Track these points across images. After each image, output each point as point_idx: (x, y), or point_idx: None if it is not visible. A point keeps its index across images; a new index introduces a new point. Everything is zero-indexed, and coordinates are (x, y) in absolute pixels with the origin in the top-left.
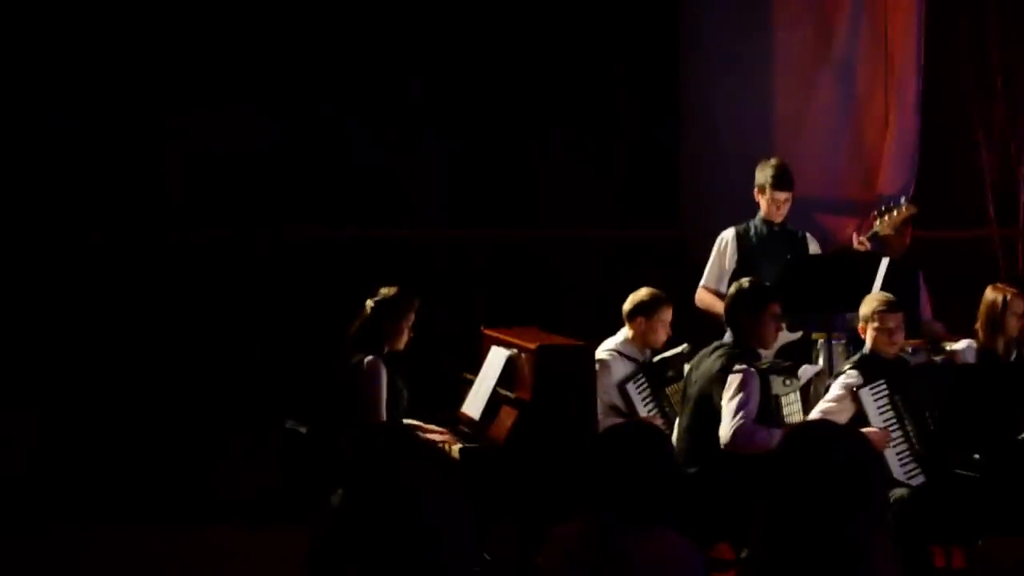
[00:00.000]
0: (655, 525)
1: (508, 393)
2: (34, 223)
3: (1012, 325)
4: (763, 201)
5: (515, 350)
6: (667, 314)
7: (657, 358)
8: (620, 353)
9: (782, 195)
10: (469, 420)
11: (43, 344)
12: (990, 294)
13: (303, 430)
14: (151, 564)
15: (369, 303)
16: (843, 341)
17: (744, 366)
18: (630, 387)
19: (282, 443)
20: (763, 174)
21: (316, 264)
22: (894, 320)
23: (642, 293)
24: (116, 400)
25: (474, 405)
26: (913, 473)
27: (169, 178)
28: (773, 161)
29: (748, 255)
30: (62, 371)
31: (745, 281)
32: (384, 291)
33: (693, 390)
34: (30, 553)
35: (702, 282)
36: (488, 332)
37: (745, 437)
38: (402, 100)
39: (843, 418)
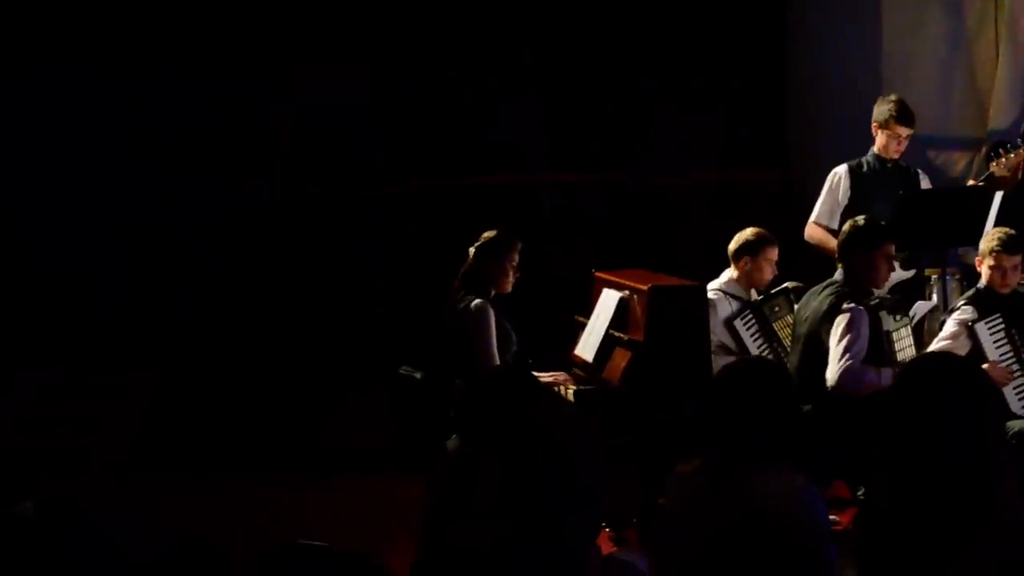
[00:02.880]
0: (776, 462)
1: (621, 335)
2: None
3: None
4: (882, 136)
5: (627, 292)
6: (773, 253)
7: (763, 296)
8: (726, 293)
9: (905, 130)
10: (583, 362)
11: (166, 305)
12: None
13: (418, 376)
14: (273, 516)
15: (472, 248)
16: (957, 276)
17: (853, 305)
18: (738, 324)
19: (397, 389)
20: (884, 109)
21: (429, 213)
22: (1012, 260)
23: (747, 232)
24: (240, 357)
25: (588, 347)
26: None
27: (282, 134)
28: (893, 96)
29: (861, 191)
30: (187, 331)
31: (860, 219)
32: (485, 235)
33: (803, 329)
34: (160, 505)
35: (813, 217)
36: (599, 275)
37: (853, 379)
38: (510, 50)
39: (960, 353)
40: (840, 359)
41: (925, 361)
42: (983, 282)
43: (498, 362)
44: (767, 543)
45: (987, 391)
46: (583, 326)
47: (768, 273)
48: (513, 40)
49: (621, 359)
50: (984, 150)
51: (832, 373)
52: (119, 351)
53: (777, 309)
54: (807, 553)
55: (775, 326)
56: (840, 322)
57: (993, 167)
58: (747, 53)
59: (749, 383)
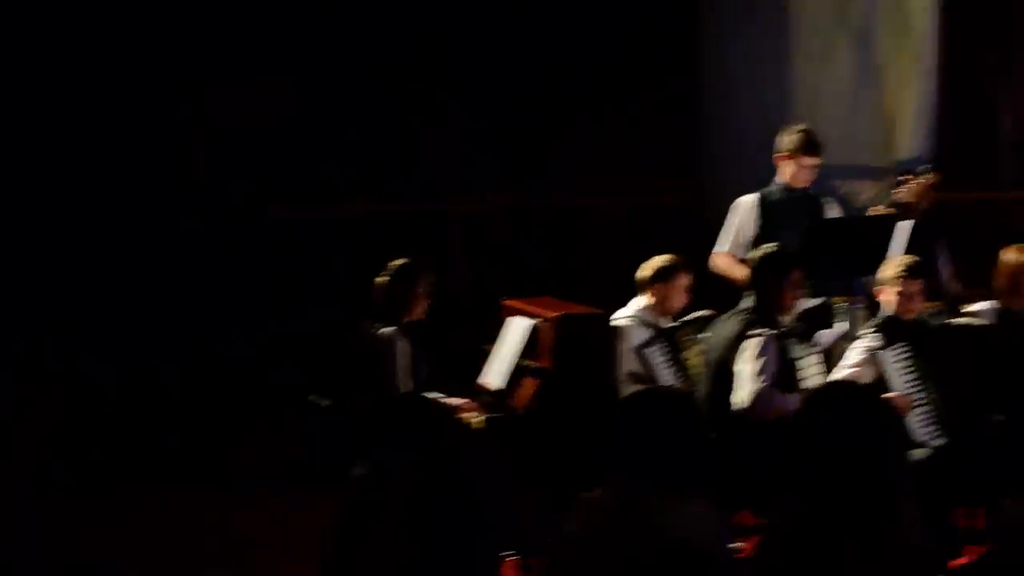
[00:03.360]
0: (681, 491)
1: (529, 363)
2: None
3: None
4: (789, 166)
5: (536, 320)
6: (685, 280)
7: (675, 324)
8: (638, 319)
9: (812, 160)
10: (491, 390)
11: (76, 324)
12: (1010, 255)
13: (326, 403)
14: (180, 536)
15: (382, 276)
16: (864, 305)
17: (761, 331)
18: (649, 352)
19: (306, 417)
20: (791, 139)
21: (342, 238)
22: (915, 285)
23: (660, 259)
24: (139, 383)
25: (496, 375)
26: (935, 435)
27: (193, 156)
28: (800, 126)
29: (768, 220)
30: (95, 352)
31: (771, 247)
32: (393, 263)
33: (711, 356)
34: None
35: (719, 247)
36: (508, 303)
37: (763, 403)
38: (420, 75)
39: (865, 381)
40: (752, 381)
41: (830, 389)
42: (888, 310)
43: (406, 390)
44: (671, 571)
45: (890, 419)
46: (488, 354)
47: (680, 300)
48: (424, 66)
49: (529, 387)
50: (891, 179)
51: (742, 396)
52: (26, 368)
53: (688, 337)
54: None
55: (686, 354)
56: (750, 347)
57: (899, 194)
58: (659, 80)
59: (654, 412)
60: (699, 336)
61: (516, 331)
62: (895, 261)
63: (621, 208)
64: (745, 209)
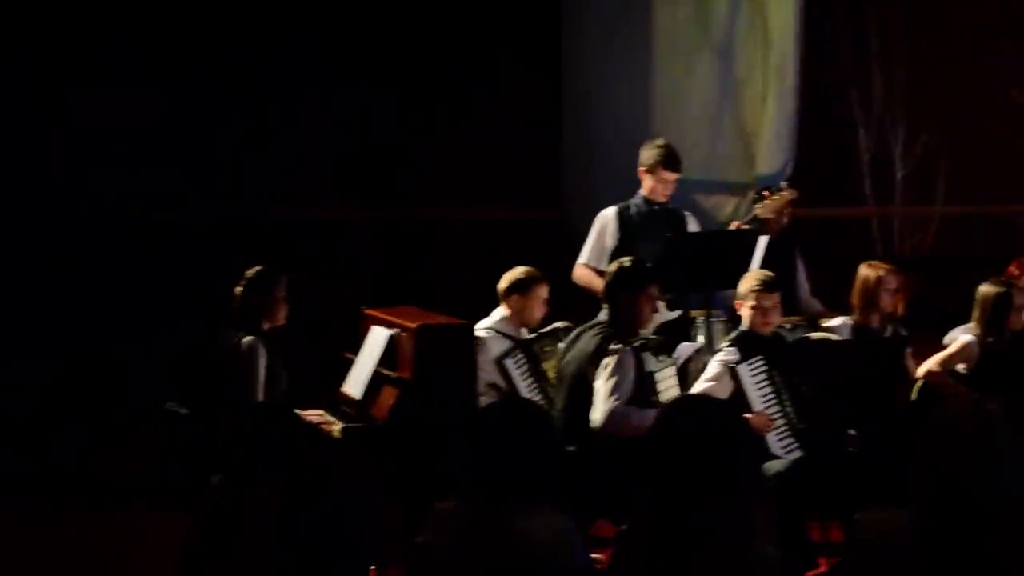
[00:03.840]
0: (535, 502)
1: (389, 372)
2: None
3: (886, 301)
4: (649, 180)
5: (396, 329)
6: (543, 291)
7: (534, 335)
8: (497, 331)
9: (671, 175)
10: (351, 400)
11: None
12: (864, 271)
13: (183, 411)
14: (39, 549)
15: (240, 284)
16: (723, 319)
17: (620, 346)
18: (509, 363)
19: (162, 425)
20: (651, 153)
21: (202, 245)
22: (770, 299)
23: (517, 271)
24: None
25: (355, 385)
26: (791, 448)
27: (53, 157)
28: (660, 141)
29: (628, 233)
30: None
31: (626, 260)
32: (249, 272)
33: (569, 369)
34: None
35: (581, 259)
36: (369, 312)
37: (617, 420)
38: (284, 81)
39: (722, 395)
40: (606, 400)
41: (683, 403)
42: (745, 324)
43: (265, 399)
44: None
45: (743, 433)
46: (352, 363)
47: (538, 312)
48: (289, 73)
49: (389, 397)
50: (751, 194)
51: (598, 414)
52: None
53: (547, 348)
54: None
55: (545, 365)
56: (607, 363)
57: (758, 209)
58: (523, 93)
59: (507, 424)
60: (559, 347)
61: (376, 341)
62: (751, 276)
63: (485, 219)
64: (605, 222)
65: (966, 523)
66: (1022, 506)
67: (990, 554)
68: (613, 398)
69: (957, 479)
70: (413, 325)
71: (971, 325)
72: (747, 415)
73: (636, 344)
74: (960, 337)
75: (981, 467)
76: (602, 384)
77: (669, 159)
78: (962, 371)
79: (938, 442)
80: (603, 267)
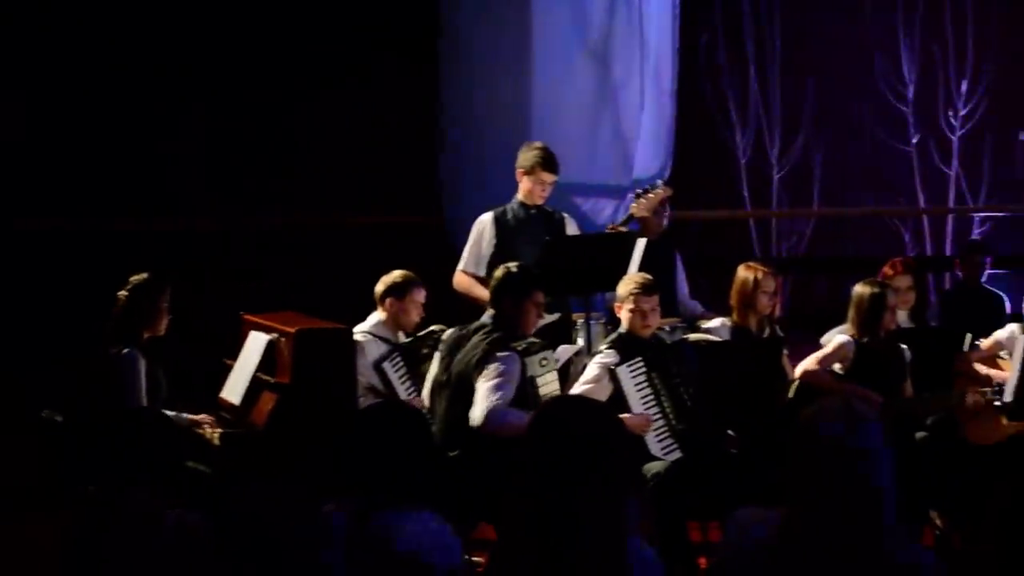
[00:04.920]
0: (412, 506)
1: (268, 378)
2: None
3: (763, 303)
4: (527, 182)
5: (275, 335)
6: (419, 295)
7: (410, 339)
8: (374, 335)
9: (549, 177)
10: (230, 405)
11: None
12: (742, 272)
13: (59, 419)
14: None
15: (122, 292)
16: (602, 321)
17: (506, 352)
18: (387, 367)
19: (38, 433)
20: (529, 156)
21: (80, 254)
22: (649, 302)
23: (394, 275)
24: None
25: (234, 390)
26: (670, 449)
27: None
28: (538, 144)
29: (506, 238)
30: None
31: (513, 265)
32: (134, 278)
33: (452, 372)
34: None
35: (460, 265)
36: (248, 317)
37: (496, 418)
38: (161, 88)
39: (601, 396)
40: (486, 399)
41: (557, 404)
42: (624, 326)
43: (144, 405)
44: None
45: (618, 434)
46: (231, 369)
47: (415, 315)
48: (169, 84)
49: (267, 402)
50: (629, 197)
51: (477, 413)
52: None
53: (425, 352)
54: None
55: (423, 369)
56: (492, 367)
57: (633, 208)
58: (400, 97)
59: (385, 428)
60: (437, 350)
61: (254, 346)
62: (629, 278)
63: (364, 224)
64: (482, 228)
65: (835, 520)
66: (891, 503)
67: (856, 550)
68: (494, 397)
69: (826, 477)
70: (291, 330)
71: (847, 326)
72: (625, 415)
73: (519, 348)
74: (836, 337)
75: (850, 465)
76: (484, 384)
77: (547, 161)
78: (838, 371)
79: (808, 440)
80: (481, 273)
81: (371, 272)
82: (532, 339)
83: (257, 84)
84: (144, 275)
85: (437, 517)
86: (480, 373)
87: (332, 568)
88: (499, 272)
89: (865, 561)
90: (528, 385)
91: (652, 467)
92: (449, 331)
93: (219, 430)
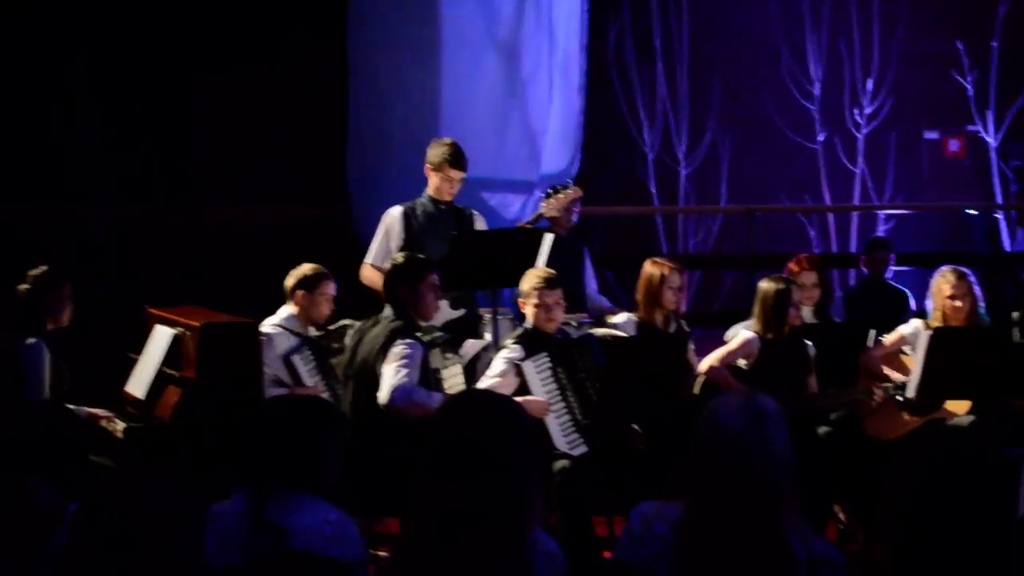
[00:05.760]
0: (311, 499)
1: (173, 372)
2: None
3: (669, 298)
4: (436, 178)
5: (180, 329)
6: (329, 288)
7: (321, 332)
8: (284, 327)
9: (458, 173)
10: (134, 399)
11: None
12: (649, 268)
13: None
14: None
15: (23, 285)
16: (510, 316)
17: (409, 339)
18: (296, 359)
19: None
20: (437, 152)
21: None
22: (553, 296)
23: (304, 268)
24: None
25: (139, 384)
26: (576, 444)
27: None
28: (447, 140)
29: (415, 232)
30: None
31: (400, 256)
32: (34, 271)
33: (356, 363)
34: None
35: (368, 259)
36: (152, 311)
37: (403, 396)
38: (63, 79)
39: (507, 391)
40: (392, 379)
41: (463, 397)
42: (529, 322)
43: (47, 399)
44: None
45: (523, 427)
46: (135, 363)
47: (325, 308)
48: (70, 69)
49: (172, 396)
50: (538, 193)
51: (384, 392)
52: None
53: (335, 345)
54: None
55: (332, 362)
56: (395, 351)
57: (543, 207)
58: (310, 90)
59: (291, 418)
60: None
61: (159, 340)
62: (533, 273)
63: (273, 218)
64: (391, 222)
65: (736, 513)
66: (792, 497)
67: (757, 543)
68: (400, 376)
69: (727, 470)
70: (197, 324)
71: (751, 321)
72: (524, 398)
73: (424, 341)
74: (741, 333)
75: (750, 459)
76: (388, 367)
77: (455, 157)
78: (743, 366)
79: (708, 434)
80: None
81: (279, 265)
82: (437, 332)
83: (163, 74)
84: (45, 267)
85: (336, 509)
86: (383, 358)
87: (225, 565)
88: (389, 265)
89: (765, 554)
90: (432, 377)
91: (558, 463)
92: (356, 324)
93: (123, 424)
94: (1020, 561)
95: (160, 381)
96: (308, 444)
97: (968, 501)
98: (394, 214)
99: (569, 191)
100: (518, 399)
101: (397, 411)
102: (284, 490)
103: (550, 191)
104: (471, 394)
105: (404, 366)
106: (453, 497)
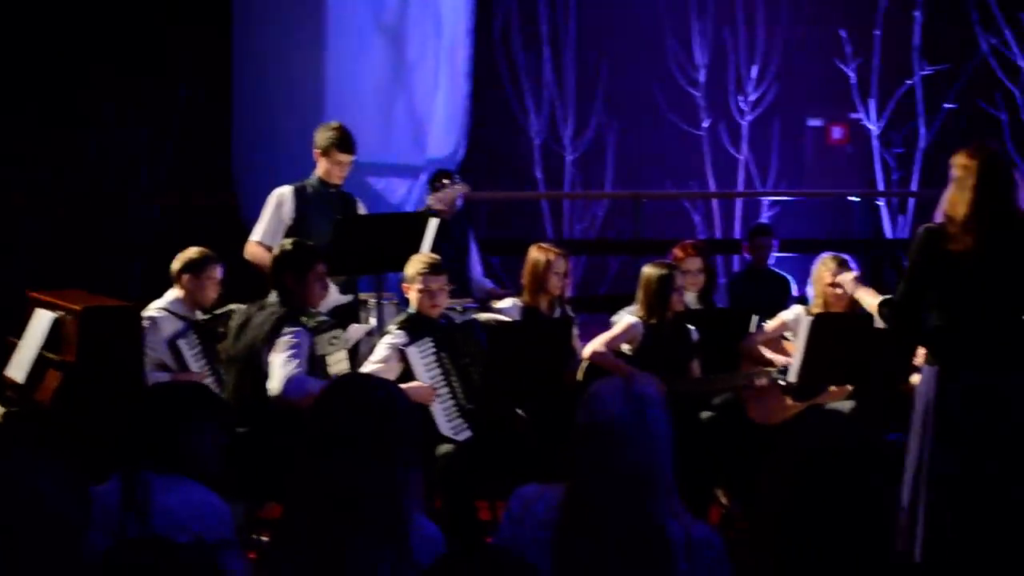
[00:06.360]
0: (184, 479)
1: (53, 356)
2: None
3: (554, 284)
4: (324, 162)
5: (60, 312)
6: (215, 272)
7: (207, 316)
8: (170, 311)
9: (346, 157)
10: (14, 383)
11: None
12: (534, 253)
13: None
14: None
15: None
16: (394, 301)
17: (296, 327)
18: (181, 344)
19: None
20: (325, 136)
21: None
22: (437, 282)
23: (190, 252)
24: None
25: (19, 368)
26: (460, 429)
27: None
28: (334, 124)
29: (303, 214)
30: None
31: (288, 242)
32: None
33: (241, 349)
34: None
35: (254, 236)
36: (33, 295)
37: (296, 386)
38: None
39: (391, 377)
40: (281, 368)
41: (343, 380)
42: (413, 307)
43: None
44: (174, 569)
45: (403, 410)
46: (16, 347)
47: (211, 292)
48: None
49: (52, 380)
50: (423, 177)
51: (276, 382)
52: None
53: (221, 330)
54: (205, 568)
55: (219, 347)
56: (283, 340)
57: (430, 200)
58: (194, 74)
59: (160, 402)
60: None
61: (39, 324)
62: (417, 259)
63: (160, 204)
64: (282, 199)
65: (614, 497)
66: (670, 480)
67: (635, 526)
68: (291, 367)
69: (605, 454)
70: (78, 307)
71: (635, 307)
72: (408, 384)
73: (310, 327)
74: (624, 318)
75: (628, 443)
76: (277, 357)
77: (343, 142)
78: (627, 351)
79: (587, 418)
80: (276, 245)
81: (165, 250)
82: (322, 318)
83: (47, 59)
84: None
85: (205, 489)
86: (271, 347)
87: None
88: (276, 250)
89: (642, 537)
90: (318, 363)
91: (442, 448)
92: (242, 308)
93: (2, 408)
94: (895, 543)
95: (40, 365)
96: (181, 428)
97: (845, 487)
98: (285, 192)
99: (457, 187)
100: (404, 386)
101: (289, 402)
102: (156, 473)
103: (437, 184)
104: (350, 378)
105: (293, 356)
106: (331, 481)
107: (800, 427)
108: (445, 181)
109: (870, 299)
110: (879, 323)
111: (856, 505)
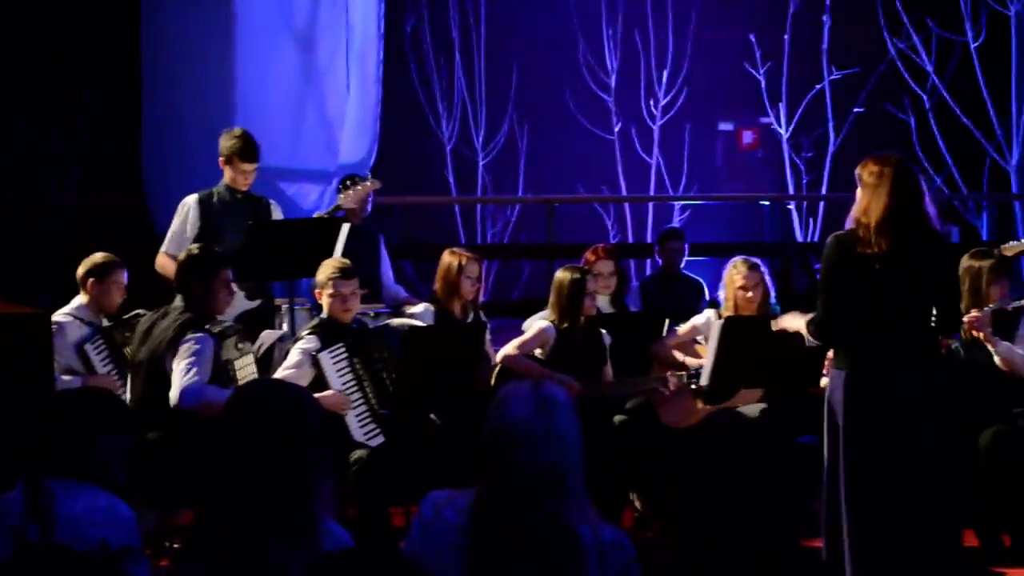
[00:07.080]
0: (87, 485)
1: None
2: None
3: (467, 288)
4: (228, 170)
5: None
6: (120, 277)
7: (113, 321)
8: (76, 317)
9: (249, 165)
10: None
11: None
12: (447, 258)
13: None
14: None
15: None
16: (307, 306)
17: (199, 333)
18: (88, 348)
19: None
20: (228, 144)
21: None
22: (348, 286)
23: (95, 257)
24: None
25: None
26: (373, 434)
27: None
28: (237, 131)
29: (211, 221)
30: None
31: (195, 247)
32: None
33: (145, 355)
34: None
35: (163, 248)
36: None
37: (192, 396)
38: None
39: (303, 382)
40: (181, 378)
41: (252, 386)
42: (325, 312)
43: None
44: (69, 563)
45: (313, 416)
46: None
47: (117, 297)
48: None
49: None
50: (335, 183)
51: (173, 393)
52: None
53: (128, 335)
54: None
55: (126, 352)
56: (185, 347)
57: (341, 199)
58: (104, 80)
59: (62, 409)
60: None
61: None
62: (328, 264)
63: (67, 208)
64: (186, 210)
65: (523, 500)
66: (580, 483)
67: (544, 530)
68: (189, 375)
69: (514, 458)
70: None
71: (547, 311)
72: (322, 394)
73: (215, 332)
74: (536, 323)
75: (537, 446)
76: (178, 365)
77: (245, 150)
78: (539, 355)
79: (497, 421)
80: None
81: (77, 253)
82: (228, 323)
83: None
84: None
85: (108, 495)
86: (174, 354)
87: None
88: (182, 256)
89: (552, 540)
90: (224, 368)
91: (355, 454)
92: (148, 314)
93: None
94: (802, 544)
95: None
96: (87, 435)
97: (743, 486)
98: (190, 202)
99: (368, 184)
100: (317, 395)
101: (188, 411)
102: (59, 480)
103: (348, 182)
104: (260, 383)
105: (193, 364)
106: (242, 486)
107: (702, 428)
108: (355, 181)
109: (797, 322)
110: (811, 342)
111: (755, 505)
